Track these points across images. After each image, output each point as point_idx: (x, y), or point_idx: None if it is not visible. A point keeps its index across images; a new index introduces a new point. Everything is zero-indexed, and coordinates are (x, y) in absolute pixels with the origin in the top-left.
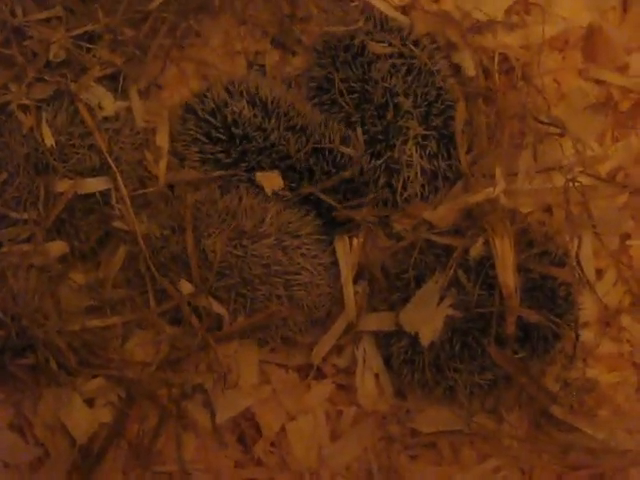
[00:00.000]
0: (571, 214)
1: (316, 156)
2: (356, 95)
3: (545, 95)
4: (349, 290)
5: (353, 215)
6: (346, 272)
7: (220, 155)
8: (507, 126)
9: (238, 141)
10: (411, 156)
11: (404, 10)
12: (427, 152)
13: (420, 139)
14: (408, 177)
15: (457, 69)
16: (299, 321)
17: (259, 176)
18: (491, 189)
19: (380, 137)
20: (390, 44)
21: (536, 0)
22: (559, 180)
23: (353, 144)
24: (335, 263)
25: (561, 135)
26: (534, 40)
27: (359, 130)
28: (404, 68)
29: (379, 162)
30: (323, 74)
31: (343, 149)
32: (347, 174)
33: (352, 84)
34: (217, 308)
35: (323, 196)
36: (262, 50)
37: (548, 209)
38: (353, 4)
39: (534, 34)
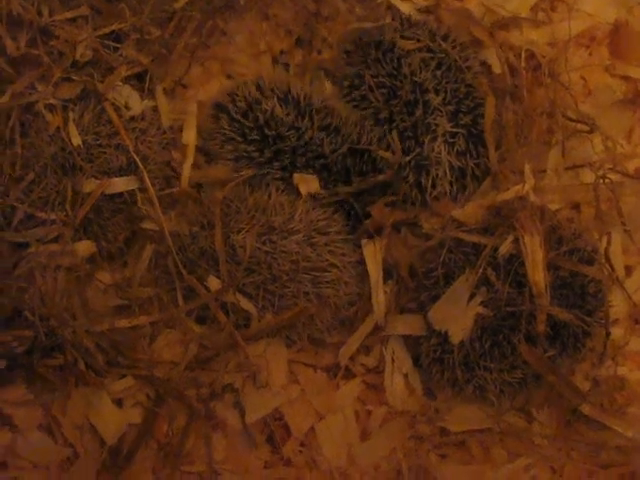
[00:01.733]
0: (600, 211)
1: (352, 157)
2: (385, 91)
3: (572, 92)
4: (379, 294)
5: (382, 220)
6: (375, 276)
7: (254, 154)
8: (535, 123)
9: (271, 140)
10: (440, 153)
11: (428, 10)
12: (455, 150)
13: (448, 136)
14: (437, 175)
15: (484, 66)
16: (326, 319)
17: (297, 177)
18: (520, 186)
19: (409, 134)
20: (419, 40)
21: None
22: (587, 177)
23: (390, 147)
24: (362, 262)
25: (590, 132)
26: (560, 37)
27: (395, 134)
28: (434, 63)
29: (408, 159)
30: (354, 72)
31: (382, 153)
32: (384, 177)
33: (382, 79)
34: (245, 305)
35: (356, 204)
36: (287, 48)
37: (576, 206)
38: (378, 1)
39: (560, 31)
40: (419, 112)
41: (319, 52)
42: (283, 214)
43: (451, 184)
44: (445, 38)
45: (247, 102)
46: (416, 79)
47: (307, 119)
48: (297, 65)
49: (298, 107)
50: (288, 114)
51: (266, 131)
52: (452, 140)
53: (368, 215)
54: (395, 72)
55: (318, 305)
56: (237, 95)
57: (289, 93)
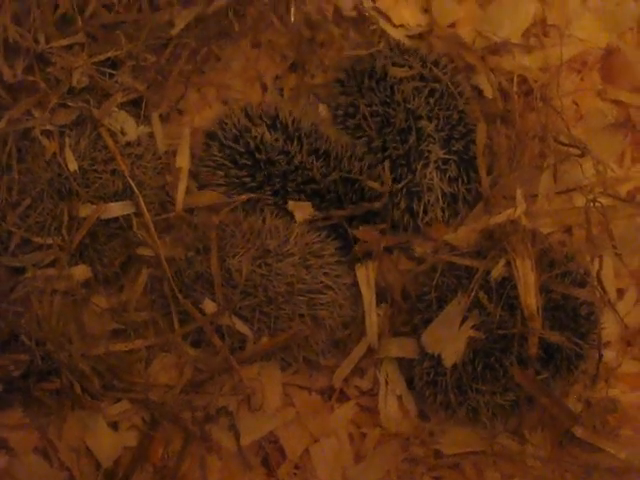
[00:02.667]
0: (592, 234)
1: (343, 184)
2: (379, 119)
3: (564, 116)
4: (372, 317)
5: (373, 245)
6: (368, 299)
7: (246, 179)
8: (527, 147)
9: (262, 165)
10: (432, 180)
11: (420, 36)
12: (447, 176)
13: (441, 163)
14: (429, 201)
15: (475, 91)
16: (321, 341)
17: (291, 205)
18: (512, 210)
19: (401, 161)
20: (411, 67)
21: (554, 22)
22: (579, 201)
23: (380, 177)
24: (357, 284)
25: (581, 156)
26: (552, 62)
27: (387, 164)
28: (426, 90)
29: (400, 185)
30: (348, 101)
31: (371, 184)
32: (377, 206)
33: (375, 108)
34: (241, 327)
35: (349, 229)
36: (282, 74)
37: (568, 229)
38: (371, 28)
39: (552, 56)
40: (412, 139)
41: (312, 77)
42: (278, 237)
43: (443, 210)
44: (436, 64)
45: (237, 128)
46: (409, 106)
47: (296, 143)
48: (291, 90)
49: (287, 132)
50: (277, 139)
51: (257, 155)
52: (444, 167)
53: (358, 250)
54: (388, 100)
55: (313, 327)
56: (226, 123)
57: (277, 118)
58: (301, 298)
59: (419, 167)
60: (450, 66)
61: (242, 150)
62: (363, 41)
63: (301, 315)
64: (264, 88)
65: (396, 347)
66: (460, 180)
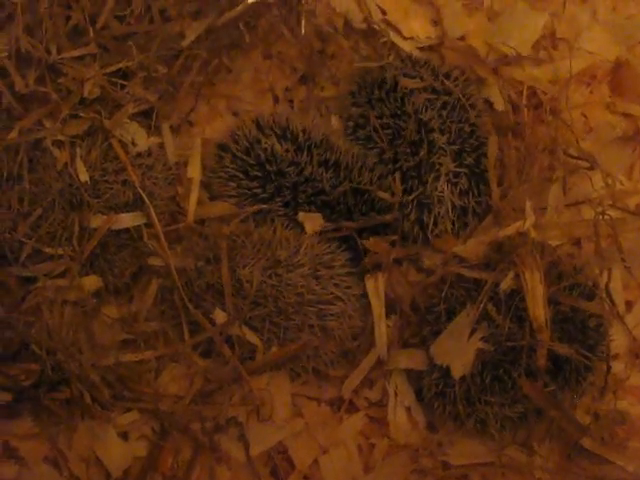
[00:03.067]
0: (600, 247)
1: (353, 195)
2: (390, 131)
3: (573, 129)
4: (381, 328)
5: (383, 256)
6: (378, 310)
7: (257, 190)
8: (537, 160)
9: (273, 176)
10: (442, 192)
11: (431, 48)
12: (458, 189)
13: (452, 176)
14: (439, 213)
15: (486, 104)
16: (331, 352)
17: (301, 216)
18: (521, 222)
19: (413, 173)
20: (422, 78)
21: (563, 35)
22: (588, 213)
23: (391, 189)
24: (366, 295)
25: (590, 169)
26: (562, 74)
27: (397, 176)
28: (438, 102)
29: (410, 198)
30: (359, 112)
31: (381, 194)
32: (388, 218)
33: (386, 120)
34: (251, 337)
35: (359, 240)
36: (292, 86)
37: (577, 242)
38: (381, 40)
39: (561, 68)
40: (423, 152)
41: (322, 89)
42: (288, 248)
43: (453, 222)
44: (448, 77)
45: (248, 140)
46: (421, 117)
47: (306, 154)
48: (301, 101)
49: (297, 142)
50: (287, 150)
51: (267, 167)
52: (455, 180)
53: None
54: (399, 112)
55: (322, 338)
56: (238, 134)
57: (287, 129)
58: (311, 309)
59: (430, 179)
60: (462, 78)
61: (253, 162)
62: (373, 53)
63: (311, 326)
64: (275, 99)
65: (405, 358)
66: (470, 193)
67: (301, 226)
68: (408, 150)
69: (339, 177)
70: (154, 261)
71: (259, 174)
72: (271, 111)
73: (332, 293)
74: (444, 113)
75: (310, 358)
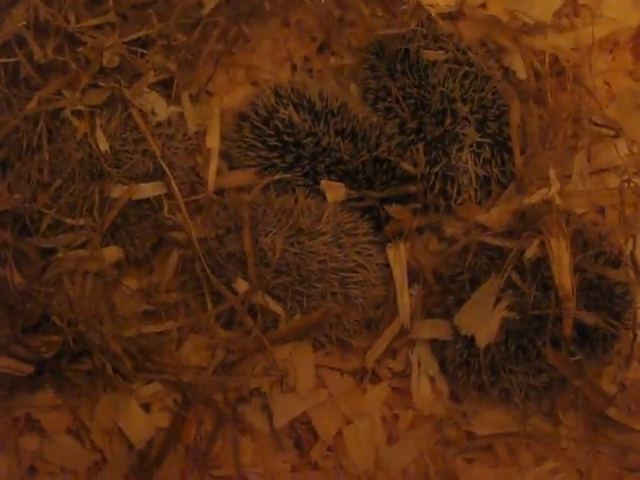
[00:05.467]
0: (625, 215)
1: (373, 165)
2: (413, 102)
3: (596, 96)
4: (404, 297)
5: (406, 224)
6: (400, 279)
7: (276, 160)
8: (560, 128)
9: (291, 147)
10: (466, 162)
11: (451, 15)
12: (481, 159)
13: (475, 146)
14: (463, 183)
15: (507, 72)
16: (354, 320)
17: (324, 184)
18: (546, 190)
19: (437, 144)
20: (445, 50)
21: (585, 2)
22: (612, 181)
23: (414, 159)
24: (389, 264)
25: (615, 136)
26: (584, 42)
27: (421, 147)
28: (460, 73)
29: (435, 169)
30: (380, 85)
31: (405, 165)
32: (413, 189)
33: (409, 90)
34: (274, 306)
35: (382, 209)
36: (310, 55)
37: (601, 210)
38: (402, 8)
39: (584, 36)
40: (448, 122)
41: (342, 57)
42: (310, 216)
43: (476, 192)
44: (469, 46)
45: (267, 110)
46: (444, 90)
47: (323, 124)
48: (320, 71)
49: (314, 111)
50: (305, 120)
51: (285, 138)
52: (479, 150)
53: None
54: (422, 82)
55: (345, 305)
56: (257, 104)
57: (304, 97)
58: (333, 276)
59: (454, 150)
60: (482, 50)
61: (271, 132)
62: (394, 21)
63: (333, 293)
64: (293, 68)
65: (429, 329)
66: (494, 162)
67: (323, 195)
68: (433, 120)
69: (357, 146)
70: (176, 234)
71: (278, 144)
72: (289, 80)
73: (355, 261)
74: (466, 83)
75: (333, 327)
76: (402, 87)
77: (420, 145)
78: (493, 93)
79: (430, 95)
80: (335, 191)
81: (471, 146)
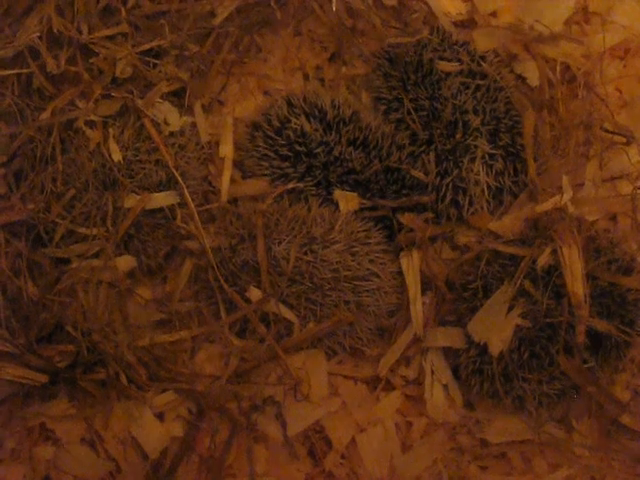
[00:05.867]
0: (637, 222)
1: (385, 174)
2: (425, 113)
3: (608, 104)
4: (417, 306)
5: (419, 233)
6: (414, 288)
7: (288, 170)
8: (572, 136)
9: (303, 157)
10: (478, 174)
11: (462, 24)
12: (494, 170)
13: (487, 157)
14: (475, 194)
15: (520, 80)
16: (367, 328)
17: (337, 194)
18: (558, 197)
19: (448, 155)
20: (459, 60)
21: (595, 9)
22: (624, 188)
23: (425, 167)
24: (401, 272)
25: (627, 143)
26: (595, 49)
27: (432, 155)
28: (473, 85)
29: (447, 181)
30: (392, 95)
31: (415, 173)
32: (425, 199)
33: (421, 102)
34: (287, 314)
35: (395, 218)
36: (322, 64)
37: (613, 217)
38: (413, 16)
39: (595, 43)
40: (459, 134)
41: (353, 67)
42: (323, 225)
43: (489, 202)
44: (483, 57)
45: (279, 120)
46: (456, 102)
47: (335, 133)
48: (332, 80)
49: (326, 121)
50: (316, 129)
51: (297, 147)
52: (491, 162)
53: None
54: (435, 94)
55: (358, 313)
56: (270, 114)
57: (316, 107)
58: (346, 285)
59: (465, 161)
60: (496, 59)
61: (283, 142)
62: (406, 30)
63: (347, 302)
64: (305, 78)
65: (442, 336)
66: (506, 173)
67: (335, 204)
68: (444, 132)
69: (369, 156)
70: (189, 244)
71: (290, 154)
72: (301, 90)
73: (368, 269)
74: (478, 94)
75: (346, 334)
76: (415, 98)
77: (431, 153)
78: (506, 103)
79: (442, 107)
80: (348, 201)
81: (483, 157)
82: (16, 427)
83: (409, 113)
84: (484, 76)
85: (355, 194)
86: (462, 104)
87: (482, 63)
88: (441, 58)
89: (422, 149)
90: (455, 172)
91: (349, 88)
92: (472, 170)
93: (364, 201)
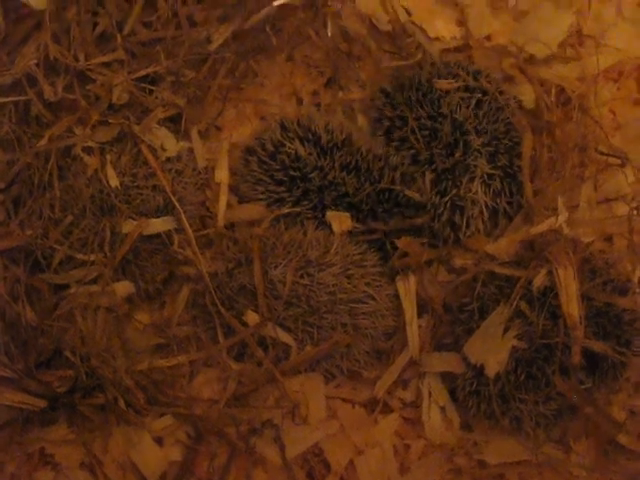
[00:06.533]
0: (633, 243)
1: (376, 196)
2: (426, 132)
3: (602, 126)
4: (413, 330)
5: (415, 257)
6: (410, 312)
7: (284, 194)
8: (568, 158)
9: (298, 181)
10: (476, 194)
11: (457, 48)
12: (492, 190)
13: (486, 177)
14: (472, 214)
15: (516, 102)
16: (363, 351)
17: (330, 215)
18: (553, 219)
19: (447, 175)
20: (455, 77)
21: (589, 32)
22: (619, 209)
23: (419, 187)
24: (398, 295)
25: (622, 165)
26: (589, 72)
27: (427, 175)
28: (473, 101)
29: (445, 200)
30: (395, 114)
31: (410, 193)
32: (419, 222)
33: (423, 121)
34: (284, 338)
35: (389, 241)
36: (318, 89)
37: (608, 238)
38: (407, 41)
39: (589, 66)
40: (459, 154)
41: (349, 91)
42: (319, 248)
43: (485, 223)
44: (480, 73)
45: (273, 144)
46: (456, 117)
47: (329, 158)
48: (328, 105)
49: (320, 145)
50: (310, 154)
51: (292, 172)
52: (489, 182)
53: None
54: (435, 114)
55: (355, 336)
56: (264, 138)
57: (310, 131)
58: (343, 307)
59: (464, 181)
60: (494, 77)
61: (278, 167)
62: (401, 54)
63: (343, 324)
64: (300, 103)
65: (439, 361)
66: (503, 194)
67: (330, 226)
68: (443, 152)
69: (360, 180)
70: (186, 269)
71: (285, 178)
72: (295, 114)
73: (364, 292)
74: (480, 113)
75: (344, 357)
76: (417, 117)
77: (427, 174)
78: (506, 124)
79: (442, 126)
80: (342, 222)
81: (482, 177)
82: (16, 452)
83: (412, 132)
84: (484, 92)
85: (347, 214)
86: (463, 121)
87: (480, 78)
88: (438, 76)
89: (424, 168)
90: (454, 191)
91: (345, 112)
92: (470, 190)
93: (357, 225)
